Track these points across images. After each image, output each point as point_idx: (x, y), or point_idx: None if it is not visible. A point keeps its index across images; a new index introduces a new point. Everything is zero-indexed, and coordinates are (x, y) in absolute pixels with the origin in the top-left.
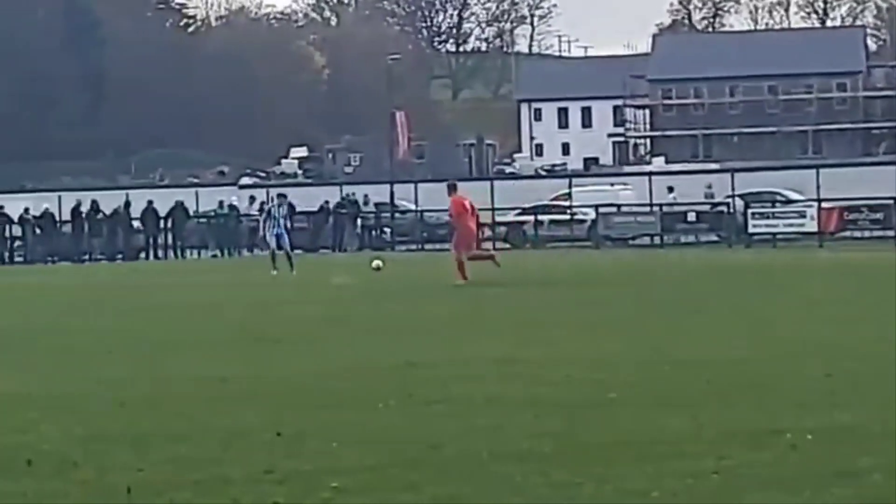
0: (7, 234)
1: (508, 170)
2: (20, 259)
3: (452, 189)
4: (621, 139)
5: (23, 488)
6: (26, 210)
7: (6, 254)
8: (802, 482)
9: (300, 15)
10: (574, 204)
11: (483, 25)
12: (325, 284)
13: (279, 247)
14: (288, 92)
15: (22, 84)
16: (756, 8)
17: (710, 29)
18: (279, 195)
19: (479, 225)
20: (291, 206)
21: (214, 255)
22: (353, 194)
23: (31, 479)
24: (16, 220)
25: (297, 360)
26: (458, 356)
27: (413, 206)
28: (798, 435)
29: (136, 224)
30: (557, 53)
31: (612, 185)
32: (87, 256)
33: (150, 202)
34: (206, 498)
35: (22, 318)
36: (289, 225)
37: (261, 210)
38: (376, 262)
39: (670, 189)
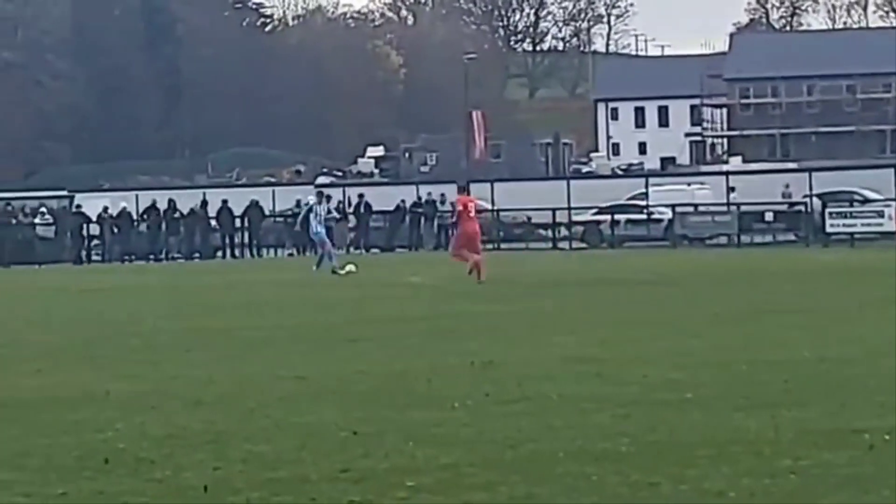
0: (84, 233)
1: (585, 169)
2: (97, 258)
3: (461, 190)
4: (698, 138)
5: (100, 486)
6: (105, 209)
7: (84, 253)
8: (880, 482)
9: (377, 14)
10: (651, 203)
11: (560, 24)
12: (402, 283)
13: (321, 243)
14: (364, 91)
15: (99, 83)
16: (834, 7)
17: (788, 28)
18: (318, 192)
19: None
20: (368, 206)
21: (291, 254)
22: (430, 194)
23: (108, 477)
24: (93, 219)
25: (373, 359)
26: (535, 356)
27: (489, 206)
28: (876, 435)
29: (212, 223)
30: (634, 52)
31: (688, 184)
32: (163, 255)
33: (224, 201)
34: (282, 497)
35: (100, 317)
36: (335, 217)
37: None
38: (349, 267)
39: (732, 189)
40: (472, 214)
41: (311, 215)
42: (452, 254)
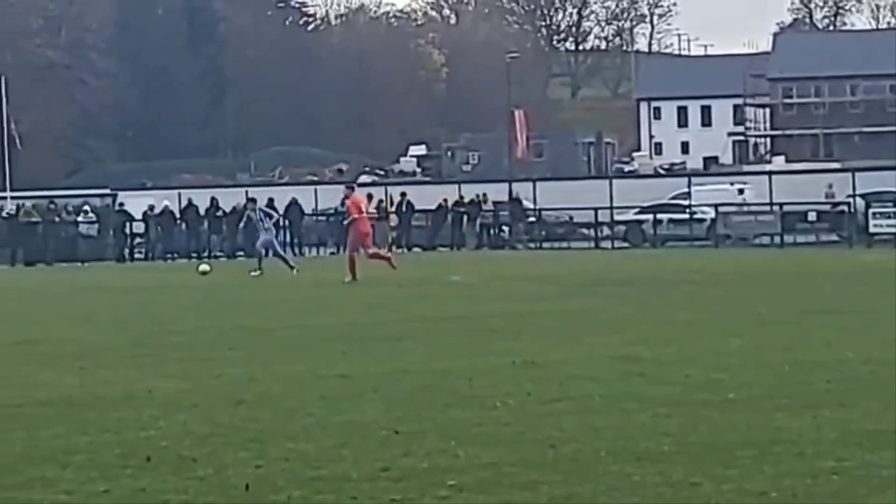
0: (127, 231)
1: (627, 168)
2: (140, 256)
3: (350, 190)
4: (741, 138)
5: (142, 484)
6: (150, 207)
7: (127, 251)
8: None
9: (419, 13)
10: (693, 203)
11: (602, 24)
12: (443, 283)
13: (266, 252)
14: (407, 90)
15: (143, 82)
16: (878, 6)
17: (832, 27)
18: (249, 199)
19: (373, 225)
20: (410, 204)
21: (333, 253)
22: (477, 195)
23: (150, 475)
24: (137, 217)
25: (415, 357)
26: (577, 355)
27: (531, 205)
28: None
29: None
30: (677, 52)
31: (731, 184)
32: (206, 254)
33: (270, 199)
34: (323, 495)
35: (142, 315)
36: (269, 228)
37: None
38: (203, 267)
39: (740, 191)
40: (364, 214)
41: (248, 223)
42: (367, 256)
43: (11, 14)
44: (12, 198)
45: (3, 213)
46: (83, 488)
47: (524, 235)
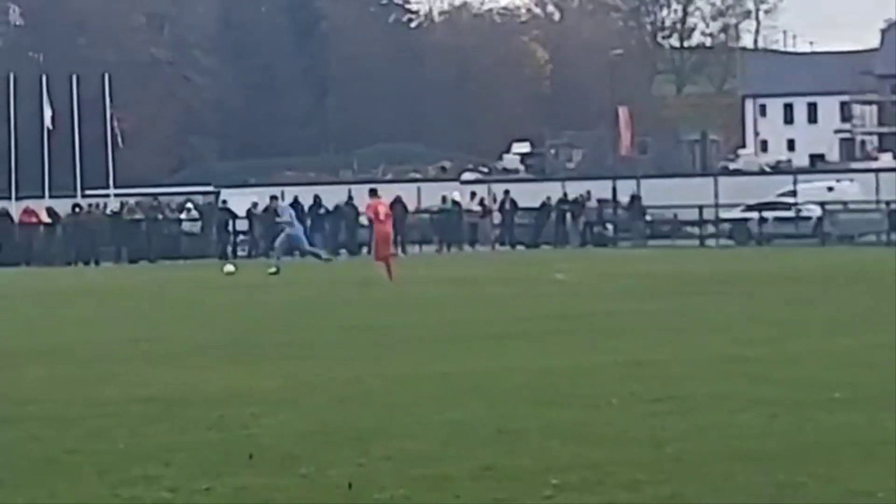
0: (230, 228)
1: (732, 166)
2: (243, 254)
3: (371, 194)
4: (848, 135)
5: (244, 482)
6: (254, 205)
7: (229, 248)
8: None
9: (523, 10)
10: (799, 201)
11: (707, 20)
12: (547, 280)
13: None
14: (510, 87)
15: (246, 79)
16: None
17: None
18: (272, 197)
19: (394, 227)
20: (514, 202)
21: (438, 251)
22: (581, 194)
23: (253, 473)
24: (239, 214)
25: (518, 356)
26: (683, 354)
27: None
28: None
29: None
30: (783, 48)
31: (837, 181)
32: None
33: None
34: (426, 494)
35: (245, 314)
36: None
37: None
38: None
39: (830, 188)
40: (382, 218)
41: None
42: (375, 258)
43: (115, 11)
44: (116, 195)
45: (107, 211)
46: (186, 486)
47: (637, 233)
